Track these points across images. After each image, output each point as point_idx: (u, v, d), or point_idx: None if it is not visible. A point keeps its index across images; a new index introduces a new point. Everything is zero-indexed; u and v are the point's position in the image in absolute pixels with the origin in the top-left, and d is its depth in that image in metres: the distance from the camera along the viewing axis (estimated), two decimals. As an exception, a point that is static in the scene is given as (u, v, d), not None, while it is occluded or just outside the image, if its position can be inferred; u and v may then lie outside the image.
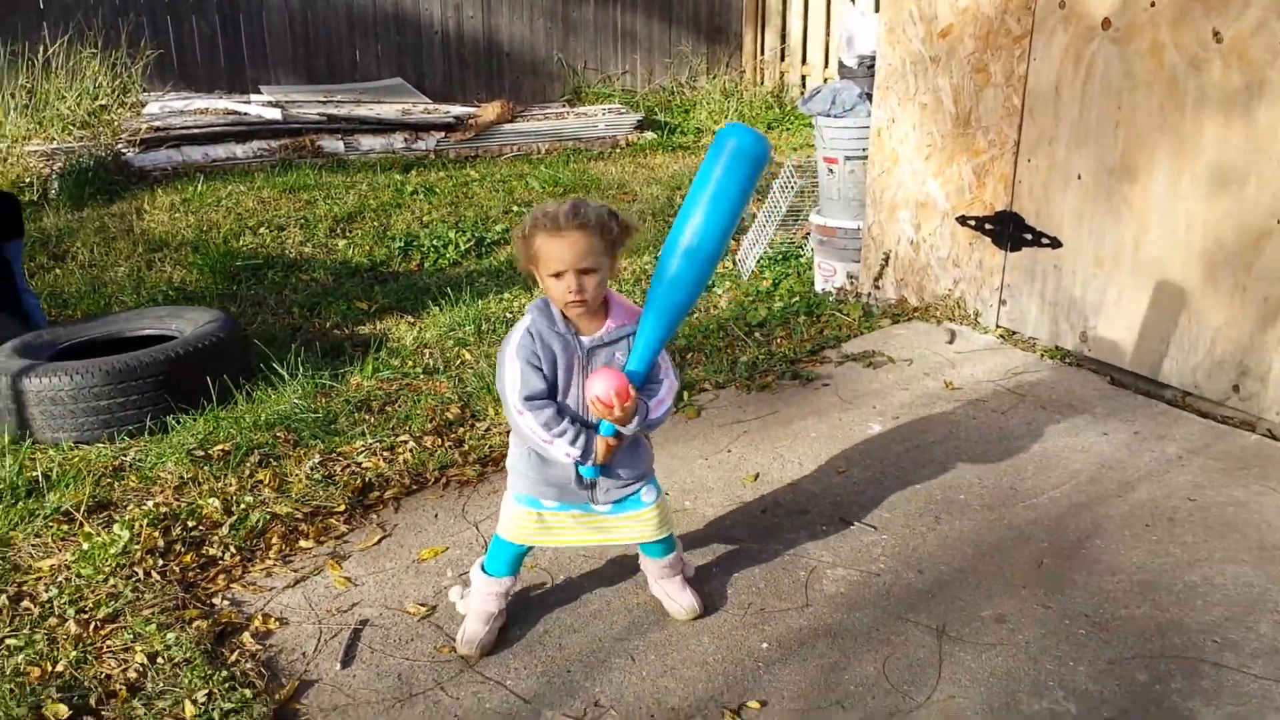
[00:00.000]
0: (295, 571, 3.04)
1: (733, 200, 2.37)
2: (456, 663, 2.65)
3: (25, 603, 2.85)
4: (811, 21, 10.06)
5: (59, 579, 2.93)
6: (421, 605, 2.88)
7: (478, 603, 2.74)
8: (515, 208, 6.93)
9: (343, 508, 3.31)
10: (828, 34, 9.83)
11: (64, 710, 2.45)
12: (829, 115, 4.97)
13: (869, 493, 3.39)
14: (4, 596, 2.86)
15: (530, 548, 2.75)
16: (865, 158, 4.88)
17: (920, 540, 3.13)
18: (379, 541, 3.18)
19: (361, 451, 3.64)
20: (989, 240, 4.43)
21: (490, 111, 8.94)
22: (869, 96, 4.87)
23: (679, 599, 2.79)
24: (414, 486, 3.46)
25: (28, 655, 2.63)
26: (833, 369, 4.30)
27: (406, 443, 3.69)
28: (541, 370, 2.44)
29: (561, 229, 2.32)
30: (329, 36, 9.38)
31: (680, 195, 7.28)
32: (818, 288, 5.22)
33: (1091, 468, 3.48)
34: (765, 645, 2.70)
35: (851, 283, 5.07)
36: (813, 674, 2.59)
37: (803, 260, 5.61)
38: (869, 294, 4.97)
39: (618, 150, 8.93)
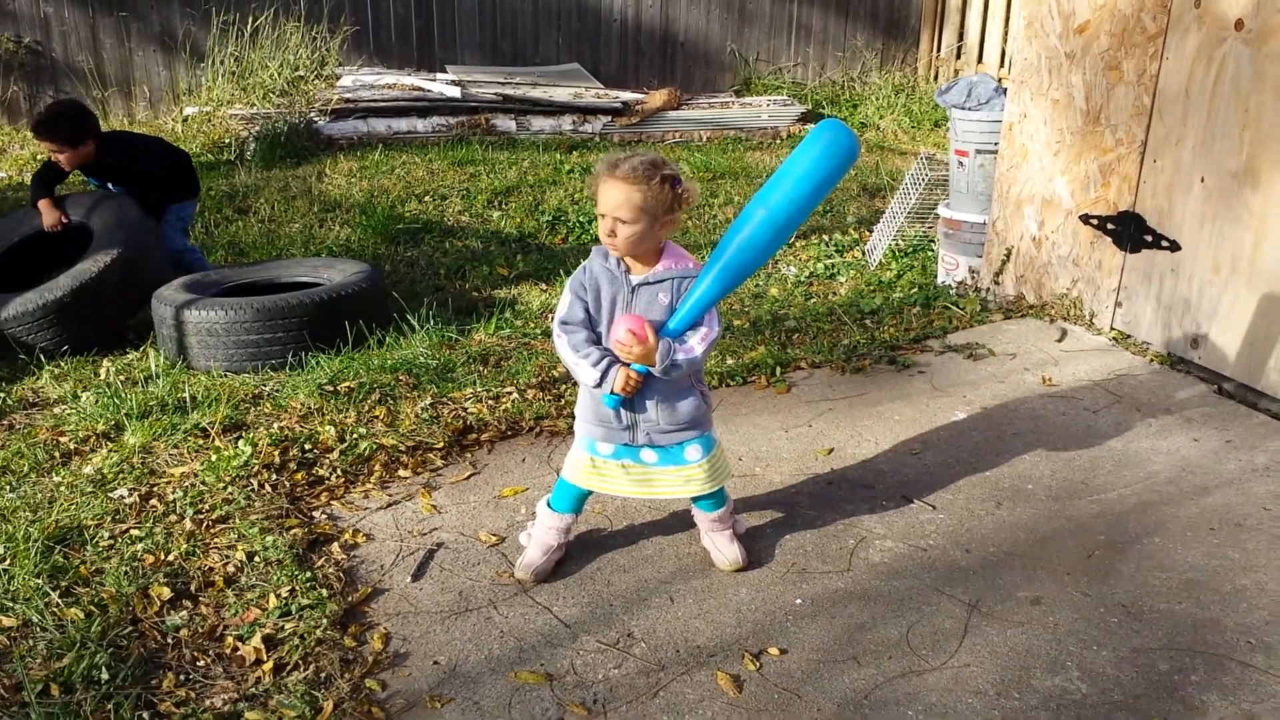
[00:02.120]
0: (389, 496, 3.36)
1: (814, 183, 2.56)
2: (513, 587, 2.90)
3: (153, 501, 3.27)
4: (991, 20, 9.88)
5: (185, 484, 3.35)
6: (493, 535, 3.15)
7: (539, 534, 2.98)
8: (662, 189, 7.15)
9: (442, 445, 3.62)
10: (1006, 33, 9.63)
11: (166, 592, 2.83)
12: (963, 108, 4.98)
13: (937, 475, 3.46)
14: (136, 495, 3.29)
15: (590, 492, 2.97)
16: (995, 152, 4.87)
17: (976, 522, 3.19)
18: (468, 477, 3.47)
19: (469, 398, 3.95)
20: (1109, 240, 4.37)
21: (657, 98, 9.20)
22: (1005, 91, 4.86)
23: (725, 551, 2.96)
24: (509, 432, 3.74)
25: (146, 545, 3.04)
26: (932, 358, 4.34)
27: (511, 393, 3.98)
28: (584, 300, 2.69)
29: (609, 177, 2.57)
30: (514, 21, 9.84)
31: (829, 186, 7.34)
32: (940, 281, 5.24)
33: (1171, 470, 3.44)
34: (799, 601, 2.84)
35: (973, 277, 5.07)
36: (837, 631, 2.72)
37: (931, 254, 5.63)
38: (988, 289, 4.96)
39: (778, 141, 9.04)
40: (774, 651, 2.64)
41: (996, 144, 4.84)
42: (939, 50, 10.67)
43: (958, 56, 10.38)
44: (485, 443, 3.69)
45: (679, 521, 3.19)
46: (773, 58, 10.58)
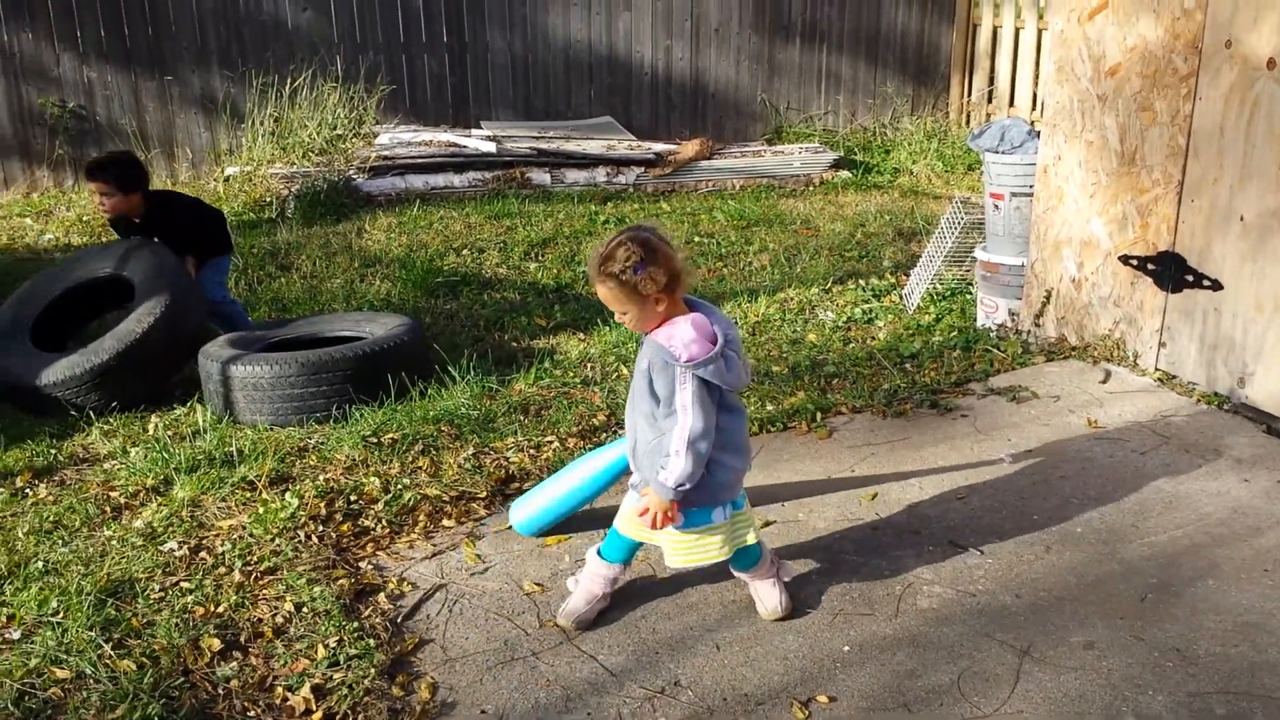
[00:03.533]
0: (434, 545, 3.38)
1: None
2: (558, 635, 2.90)
3: (202, 553, 3.31)
4: (1021, 64, 9.92)
5: (234, 536, 3.38)
6: (537, 585, 3.15)
7: (586, 582, 2.99)
8: (697, 238, 7.21)
9: (485, 494, 3.64)
10: (1036, 78, 9.67)
11: (216, 643, 2.86)
12: (997, 151, 5.00)
13: (984, 519, 3.43)
14: (186, 548, 3.33)
15: (640, 543, 2.97)
16: (1031, 194, 4.88)
17: (1025, 567, 3.16)
18: (511, 526, 3.48)
19: (511, 448, 3.97)
20: (1150, 280, 4.36)
21: (689, 149, 9.29)
22: (1038, 134, 4.87)
23: (766, 599, 2.95)
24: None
25: (195, 597, 3.07)
26: (974, 401, 4.33)
27: (552, 442, 4.00)
28: None
29: (592, 277, 2.70)
30: (547, 77, 9.99)
31: (863, 233, 7.38)
32: (979, 324, 5.23)
33: (1223, 511, 3.40)
34: (847, 648, 2.82)
35: (1013, 319, 5.05)
36: (887, 678, 2.69)
37: (969, 297, 5.62)
38: (1029, 331, 4.94)
39: (811, 188, 9.09)
40: (823, 699, 2.62)
41: (1031, 187, 4.85)
42: (970, 95, 10.71)
43: (989, 101, 10.42)
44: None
45: (723, 568, 3.18)
46: (803, 106, 10.66)
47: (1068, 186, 4.65)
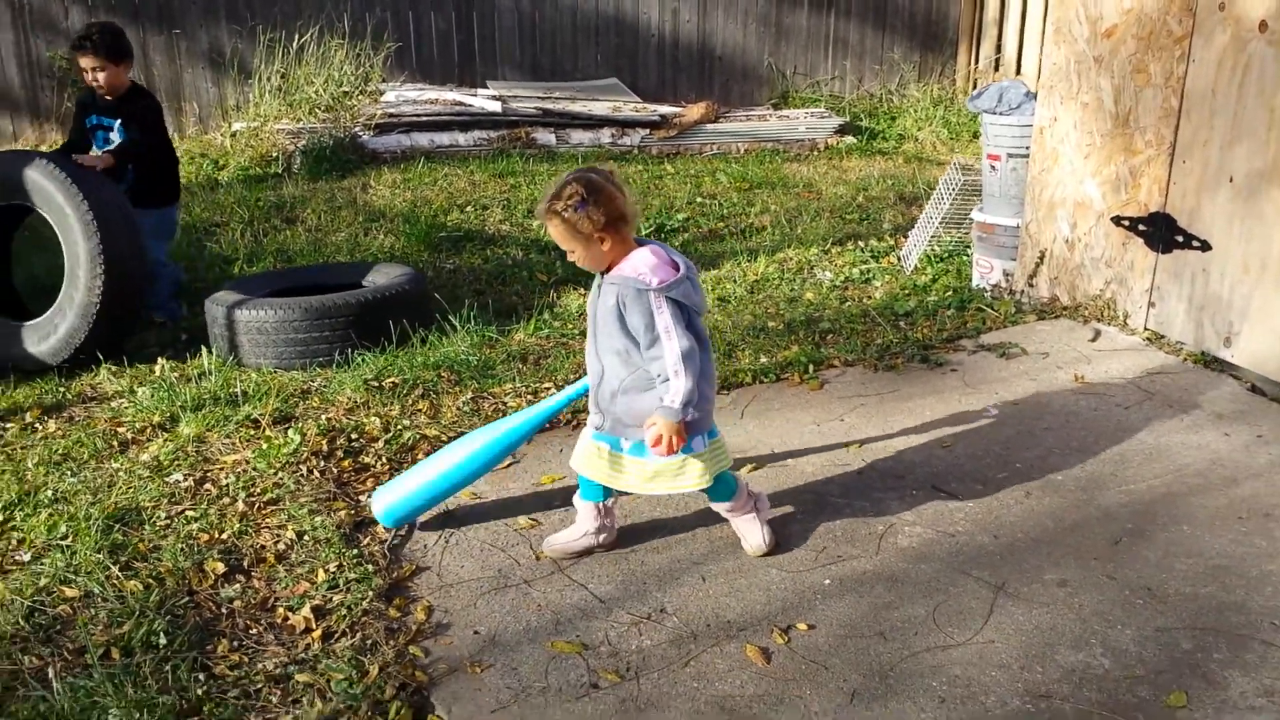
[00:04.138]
0: (432, 482, 3.47)
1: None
2: (550, 566, 3.01)
3: (207, 485, 3.41)
4: (1029, 31, 9.92)
5: (238, 470, 3.49)
6: (531, 520, 3.25)
7: (577, 519, 3.09)
8: (699, 199, 7.27)
9: (481, 436, 3.73)
10: (1043, 45, 9.66)
11: (220, 567, 2.97)
12: (994, 112, 5.05)
13: (967, 466, 3.52)
14: (191, 479, 3.44)
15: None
16: (1027, 156, 4.94)
17: (1004, 511, 3.25)
18: (508, 466, 3.58)
19: (509, 393, 4.06)
20: (1141, 241, 4.42)
21: (695, 111, 9.32)
22: (1035, 96, 4.92)
23: (749, 535, 3.04)
24: (548, 425, 3.84)
25: (200, 525, 3.18)
26: (965, 357, 4.40)
27: (549, 388, 4.09)
28: None
29: (541, 217, 2.78)
30: (554, 37, 10.01)
31: (864, 196, 7.43)
32: (975, 284, 5.30)
33: (1201, 463, 3.48)
34: (828, 582, 2.92)
35: (1007, 280, 5.12)
36: (864, 609, 2.79)
37: (966, 259, 5.68)
38: (1022, 291, 5.02)
39: (815, 153, 9.13)
40: (802, 627, 2.72)
41: (1028, 148, 4.90)
42: (977, 62, 10.71)
43: (996, 69, 10.42)
44: (524, 434, 3.79)
45: (708, 501, 3.28)
46: (810, 71, 10.67)
47: (1063, 148, 4.71)
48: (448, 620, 2.76)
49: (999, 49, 10.38)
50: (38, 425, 3.94)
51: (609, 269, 2.80)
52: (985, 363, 4.34)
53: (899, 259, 5.90)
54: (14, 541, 3.14)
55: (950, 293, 5.23)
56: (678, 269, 2.76)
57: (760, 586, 2.89)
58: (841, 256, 6.06)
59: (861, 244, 6.26)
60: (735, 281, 5.54)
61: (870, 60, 10.77)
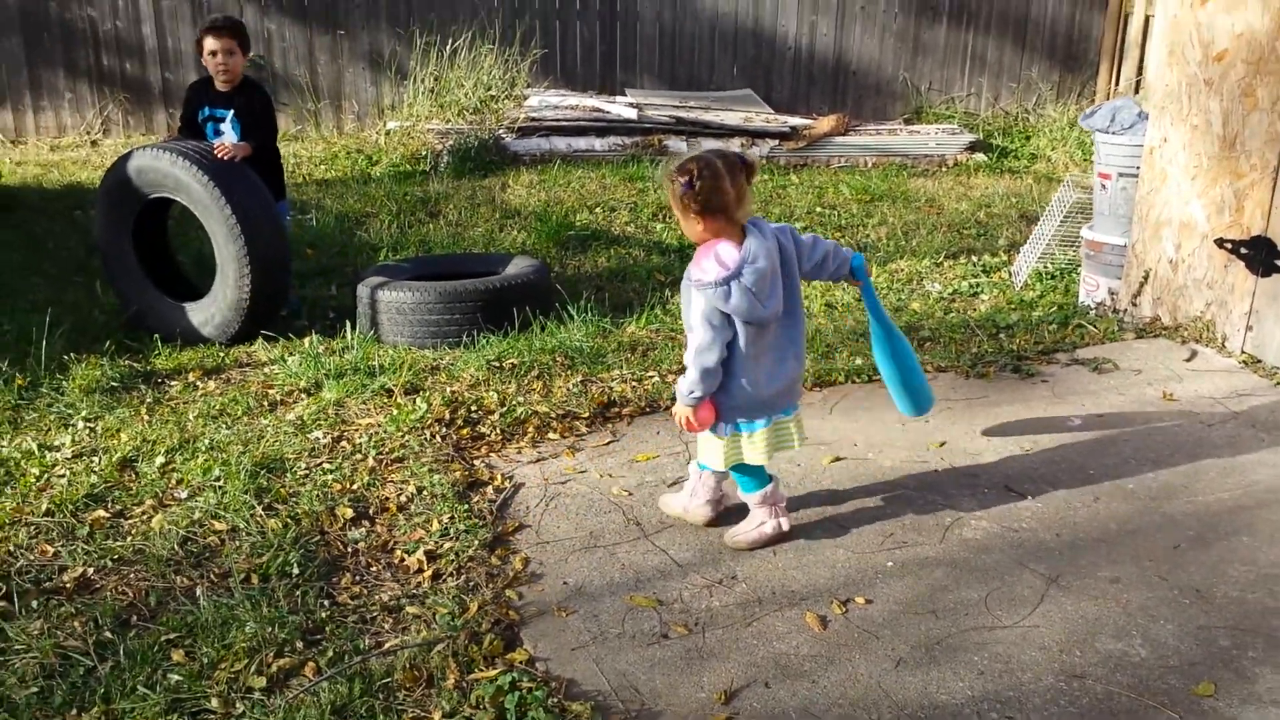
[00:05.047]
0: (539, 453, 3.83)
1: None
2: (636, 531, 3.32)
3: (343, 443, 3.84)
4: (1172, 53, 9.79)
5: (370, 431, 3.91)
6: (625, 491, 3.57)
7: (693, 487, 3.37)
8: (819, 208, 7.49)
9: (587, 415, 4.07)
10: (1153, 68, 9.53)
11: (349, 513, 3.37)
12: (1107, 132, 5.15)
13: (1041, 470, 3.69)
14: (329, 437, 3.87)
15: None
16: (1137, 175, 5.02)
17: (1071, 513, 3.41)
18: (608, 443, 3.91)
19: (615, 378, 4.39)
20: (1242, 264, 4.48)
21: (825, 124, 9.52)
22: (1146, 116, 5.00)
23: (740, 526, 3.27)
24: (647, 409, 4.16)
25: (335, 476, 3.60)
26: (1057, 369, 4.54)
27: (653, 377, 4.40)
28: None
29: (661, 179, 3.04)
30: (693, 48, 10.35)
31: (985, 213, 7.53)
32: (1080, 301, 5.39)
33: (1273, 480, 3.57)
34: (890, 564, 3.15)
35: (1111, 298, 5.21)
36: (921, 589, 3.01)
37: (1076, 277, 5.77)
38: (1126, 310, 5.10)
39: (943, 169, 9.22)
40: (860, 600, 2.96)
41: (1138, 168, 4.99)
42: (1118, 83, 10.60)
43: (1136, 90, 10.30)
44: (626, 416, 4.12)
45: (789, 487, 3.54)
46: (945, 87, 10.74)
47: (1171, 169, 4.79)
48: (541, 571, 3.10)
49: (1140, 70, 10.25)
50: (199, 385, 4.45)
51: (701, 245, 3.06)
52: (1076, 376, 4.47)
53: (1009, 275, 6.01)
54: (173, 481, 3.61)
55: (1055, 309, 5.34)
56: (735, 270, 2.91)
57: (826, 563, 3.14)
58: (952, 270, 6.21)
59: (975, 259, 6.39)
60: (844, 289, 5.75)
61: (1007, 78, 10.78)
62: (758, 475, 3.23)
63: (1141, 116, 5.07)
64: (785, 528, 3.23)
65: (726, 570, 3.11)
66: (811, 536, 3.29)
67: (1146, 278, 5.00)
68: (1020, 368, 4.54)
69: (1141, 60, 10.26)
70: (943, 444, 3.90)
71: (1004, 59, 10.75)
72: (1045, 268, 5.93)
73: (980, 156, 9.45)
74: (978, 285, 5.89)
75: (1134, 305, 5.08)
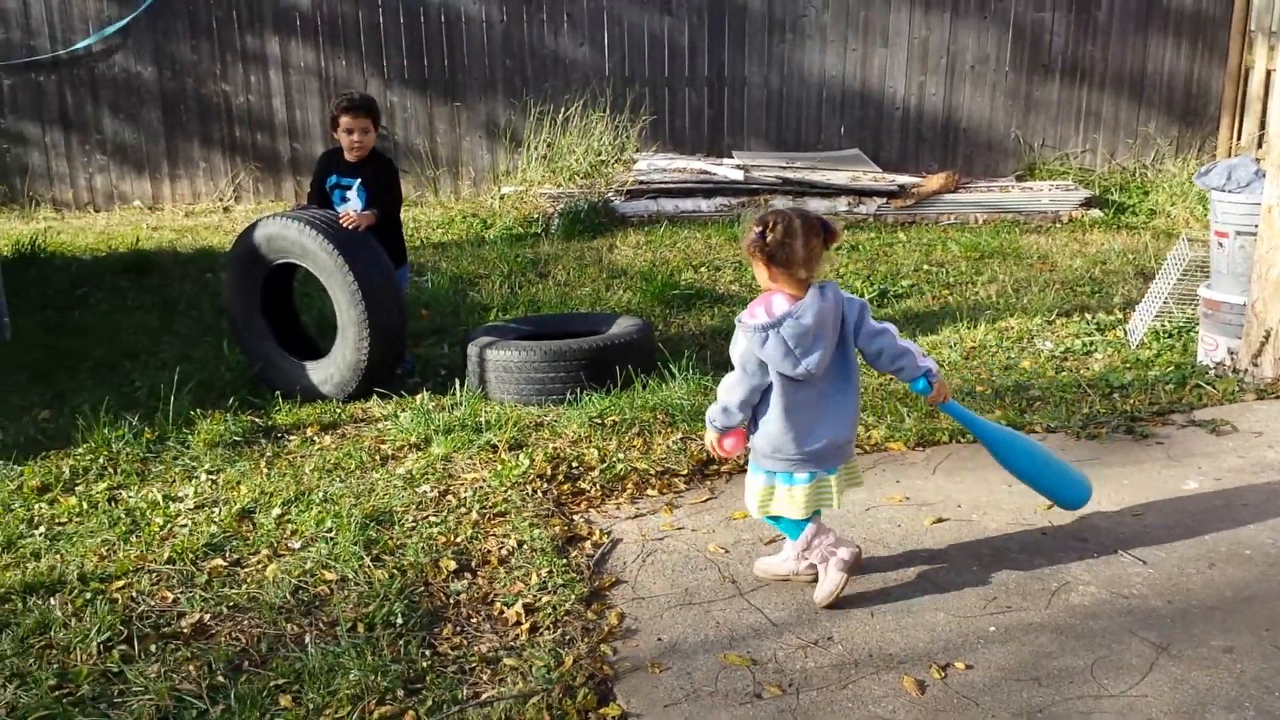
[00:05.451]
0: (638, 509, 3.88)
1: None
2: (732, 589, 3.33)
3: (449, 496, 3.95)
4: (1299, 106, 9.48)
5: (475, 485, 4.01)
6: (722, 549, 3.58)
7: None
8: (926, 266, 7.43)
9: (686, 472, 4.11)
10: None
11: (452, 565, 3.46)
12: (1223, 190, 5.02)
13: (1154, 535, 3.58)
14: (436, 491, 3.99)
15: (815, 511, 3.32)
16: (1255, 234, 4.88)
17: (1184, 579, 3.30)
18: (705, 501, 3.94)
19: (716, 437, 4.42)
20: (1371, 323, 4.30)
21: (934, 181, 9.46)
22: (1264, 174, 4.87)
23: (776, 564, 3.39)
24: (745, 467, 4.17)
25: (440, 529, 3.70)
26: (1173, 430, 4.40)
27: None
28: None
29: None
30: (799, 111, 10.43)
31: (1101, 270, 7.36)
32: (1199, 360, 5.23)
33: (1407, 549, 3.40)
34: (992, 629, 3.09)
35: (1231, 358, 5.04)
36: (1024, 656, 2.95)
37: (1194, 335, 5.60)
38: (1246, 370, 4.93)
39: (1057, 225, 9.06)
40: (960, 665, 2.91)
41: (1256, 226, 4.85)
42: (1239, 138, 10.30)
43: (1259, 145, 9.99)
44: (724, 474, 4.14)
45: (888, 547, 3.51)
46: (1059, 144, 10.58)
47: (1293, 226, 4.64)
48: (636, 627, 3.13)
49: (1262, 125, 9.94)
50: (315, 439, 4.63)
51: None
52: (1193, 438, 4.33)
53: (1125, 333, 5.87)
54: (288, 531, 3.75)
55: (1172, 368, 5.18)
56: (777, 321, 3.02)
57: (925, 626, 3.10)
58: (1065, 328, 6.08)
59: (1089, 316, 6.25)
60: (951, 347, 5.69)
61: (1124, 134, 10.57)
62: (796, 527, 3.27)
63: (1259, 175, 4.94)
64: (846, 556, 3.19)
65: (823, 631, 3.09)
66: (911, 598, 3.25)
67: (1268, 337, 4.83)
68: (1134, 429, 4.42)
69: (1264, 115, 9.96)
70: (1050, 506, 3.81)
71: (1120, 115, 10.56)
72: (1163, 326, 5.77)
73: (1096, 212, 9.26)
74: (1091, 344, 5.76)
75: (1255, 365, 4.90)
